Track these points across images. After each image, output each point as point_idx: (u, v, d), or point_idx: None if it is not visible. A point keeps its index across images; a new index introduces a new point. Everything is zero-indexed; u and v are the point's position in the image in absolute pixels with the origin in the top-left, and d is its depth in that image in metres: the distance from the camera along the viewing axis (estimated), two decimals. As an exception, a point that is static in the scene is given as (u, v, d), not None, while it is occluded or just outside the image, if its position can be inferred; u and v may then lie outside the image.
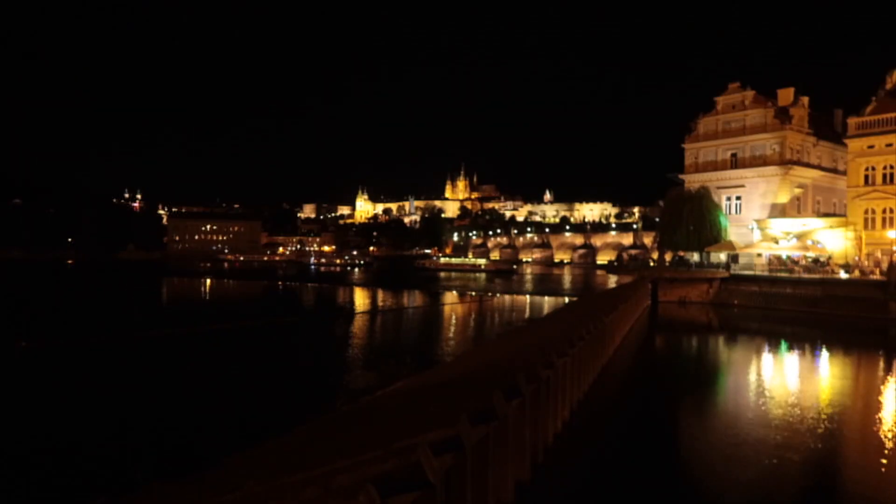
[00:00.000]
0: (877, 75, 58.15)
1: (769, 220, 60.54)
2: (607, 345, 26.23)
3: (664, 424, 19.75)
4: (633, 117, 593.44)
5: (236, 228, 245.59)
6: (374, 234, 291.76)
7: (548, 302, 62.22)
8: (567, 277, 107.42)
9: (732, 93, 65.70)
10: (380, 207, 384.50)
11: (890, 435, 18.72)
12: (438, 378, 14.00)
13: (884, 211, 53.18)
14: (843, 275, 50.52)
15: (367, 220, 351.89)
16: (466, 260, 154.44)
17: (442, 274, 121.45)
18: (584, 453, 15.96)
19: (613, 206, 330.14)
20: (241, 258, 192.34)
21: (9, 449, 16.19)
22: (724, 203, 64.83)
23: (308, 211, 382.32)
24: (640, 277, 57.66)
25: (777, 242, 58.33)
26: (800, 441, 17.33)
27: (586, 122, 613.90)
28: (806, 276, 52.40)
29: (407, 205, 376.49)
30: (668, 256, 65.71)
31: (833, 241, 55.91)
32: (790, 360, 33.02)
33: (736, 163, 64.93)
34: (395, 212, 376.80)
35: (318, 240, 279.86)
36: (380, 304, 62.57)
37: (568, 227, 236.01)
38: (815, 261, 55.41)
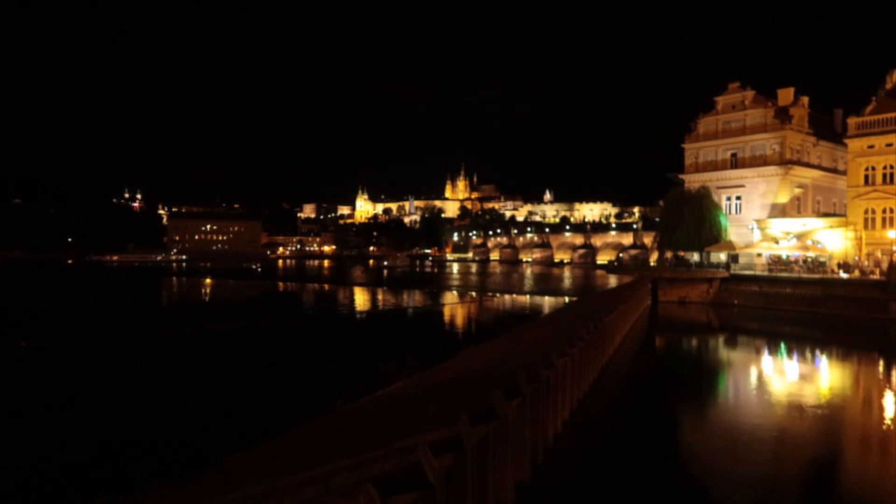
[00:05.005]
0: (877, 75, 58.27)
1: (769, 220, 60.53)
2: (607, 345, 26.22)
3: (664, 424, 19.74)
4: (633, 117, 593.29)
5: (236, 228, 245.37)
6: (374, 233, 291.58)
7: (548, 302, 62.19)
8: (567, 277, 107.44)
9: (732, 93, 65.70)
10: (380, 207, 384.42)
11: (890, 434, 18.72)
12: (438, 378, 13.99)
13: (884, 211, 53.17)
14: (843, 275, 50.52)
15: (367, 220, 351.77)
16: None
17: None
18: (584, 453, 15.96)
19: (613, 206, 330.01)
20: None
21: (9, 449, 16.19)
22: (724, 203, 64.82)
23: (308, 211, 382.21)
24: (640, 277, 57.65)
25: (777, 242, 58.33)
26: (800, 440, 17.33)
27: (586, 122, 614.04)
28: (806, 276, 52.43)
29: (407, 205, 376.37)
30: (668, 256, 65.71)
31: (833, 241, 55.90)
32: (790, 360, 33.02)
33: (736, 163, 64.94)
34: (395, 212, 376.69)
35: (318, 240, 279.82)
36: (380, 303, 62.57)
37: (568, 227, 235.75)
38: (806, 261, 55.42)
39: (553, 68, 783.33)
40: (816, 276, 51.85)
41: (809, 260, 55.58)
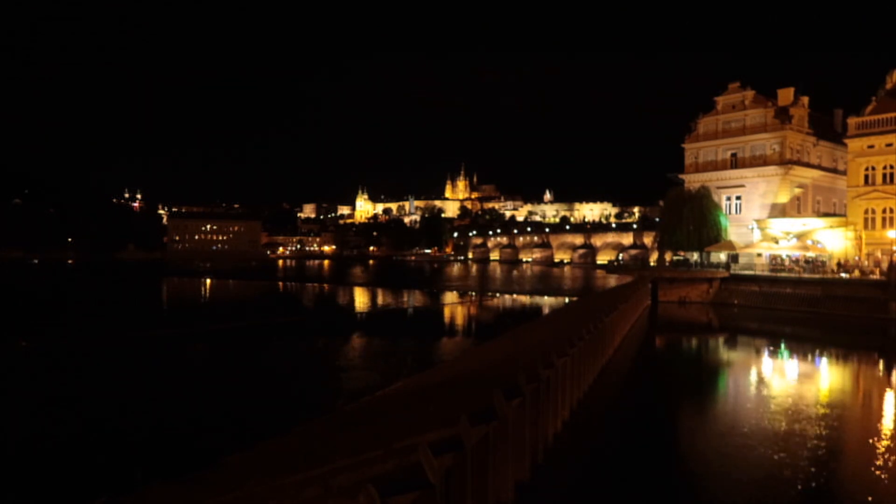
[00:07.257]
0: (877, 75, 58.30)
1: (769, 220, 60.53)
2: (607, 345, 26.22)
3: (664, 424, 19.75)
4: (632, 117, 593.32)
5: (236, 228, 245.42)
6: (374, 233, 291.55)
7: (548, 302, 62.18)
8: (567, 277, 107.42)
9: (732, 93, 65.71)
10: (380, 207, 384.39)
11: (890, 435, 18.72)
12: (438, 378, 13.98)
13: (884, 211, 53.17)
14: (843, 275, 50.52)
15: (367, 220, 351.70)
16: None
17: None
18: (584, 453, 15.96)
19: (613, 206, 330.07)
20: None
21: (9, 448, 16.18)
22: (724, 203, 64.83)
23: (308, 211, 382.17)
24: (640, 277, 57.65)
25: (777, 242, 58.33)
26: (799, 440, 17.32)
27: (586, 122, 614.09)
28: (806, 276, 52.43)
29: (407, 205, 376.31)
30: (668, 256, 65.72)
31: (833, 241, 55.91)
32: (790, 360, 33.02)
33: (736, 163, 64.95)
34: (395, 212, 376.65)
35: (318, 240, 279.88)
36: (379, 303, 62.59)
37: (568, 227, 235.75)
38: (808, 261, 55.44)
39: (554, 68, 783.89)
40: (816, 276, 51.85)
41: (805, 260, 55.56)
